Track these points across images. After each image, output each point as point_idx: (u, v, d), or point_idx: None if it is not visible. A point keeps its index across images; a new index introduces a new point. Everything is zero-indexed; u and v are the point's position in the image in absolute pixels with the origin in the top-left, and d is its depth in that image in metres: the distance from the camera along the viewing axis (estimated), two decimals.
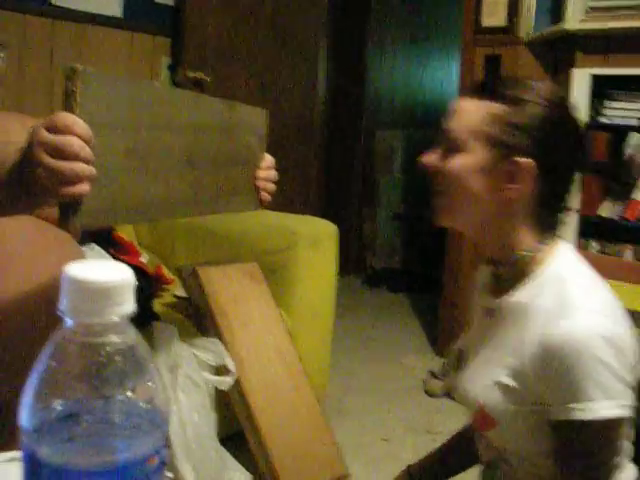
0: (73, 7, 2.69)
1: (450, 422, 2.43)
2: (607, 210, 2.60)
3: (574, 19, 2.53)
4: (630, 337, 0.99)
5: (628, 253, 2.61)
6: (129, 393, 0.46)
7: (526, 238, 1.05)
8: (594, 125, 2.59)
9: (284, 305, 2.14)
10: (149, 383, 0.47)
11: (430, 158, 1.08)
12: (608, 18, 2.48)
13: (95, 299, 0.45)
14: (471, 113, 1.04)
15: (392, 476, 1.37)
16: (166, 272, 2.36)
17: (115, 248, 2.22)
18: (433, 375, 2.91)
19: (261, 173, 1.33)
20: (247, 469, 1.82)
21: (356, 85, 4.78)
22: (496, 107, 1.02)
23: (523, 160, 1.00)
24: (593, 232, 2.67)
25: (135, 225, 2.55)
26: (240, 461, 1.83)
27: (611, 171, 2.61)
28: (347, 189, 4.84)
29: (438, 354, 3.30)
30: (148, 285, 2.10)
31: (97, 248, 2.06)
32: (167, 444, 0.48)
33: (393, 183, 4.79)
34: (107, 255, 2.09)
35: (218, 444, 1.74)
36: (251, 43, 3.14)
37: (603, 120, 2.59)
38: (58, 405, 0.45)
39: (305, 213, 2.66)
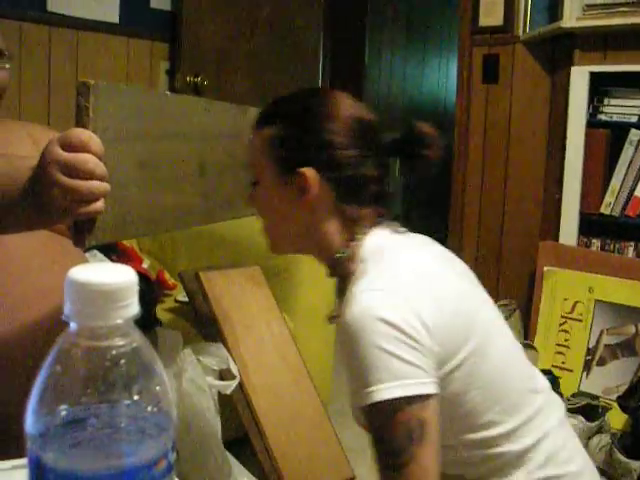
0: (70, 14, 2.69)
1: None
2: (608, 207, 2.59)
3: (571, 17, 2.52)
4: (427, 312, 0.96)
5: (629, 250, 2.61)
6: (135, 396, 0.45)
7: (338, 239, 1.09)
8: (594, 123, 2.59)
9: (287, 308, 2.13)
10: (155, 386, 0.46)
11: (247, 200, 1.15)
12: (605, 15, 2.48)
13: (99, 302, 0.44)
14: (254, 145, 1.11)
15: None
16: (168, 277, 2.36)
17: (117, 254, 2.21)
18: None
19: None
20: (252, 473, 1.81)
21: (354, 86, 4.78)
22: (268, 130, 1.09)
23: (303, 169, 1.05)
24: (594, 229, 2.66)
25: None
26: (245, 465, 1.82)
27: (611, 168, 2.60)
28: None
29: None
30: (150, 291, 2.10)
31: (99, 255, 2.06)
32: (174, 447, 0.48)
33: (392, 184, 4.78)
34: (109, 262, 2.09)
35: (223, 448, 1.73)
36: (249, 46, 3.14)
37: (602, 117, 2.59)
38: (63, 410, 0.44)
39: None
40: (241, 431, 1.83)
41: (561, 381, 2.43)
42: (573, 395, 2.40)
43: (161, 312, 2.06)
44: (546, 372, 2.42)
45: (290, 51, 3.24)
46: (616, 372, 2.43)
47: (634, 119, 2.54)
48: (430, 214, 4.10)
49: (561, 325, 2.58)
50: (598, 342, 2.49)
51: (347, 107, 1.10)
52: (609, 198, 2.59)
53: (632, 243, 2.60)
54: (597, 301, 2.52)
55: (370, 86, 4.88)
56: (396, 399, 0.91)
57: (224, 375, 1.77)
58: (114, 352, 0.45)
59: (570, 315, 2.57)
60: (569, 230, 2.64)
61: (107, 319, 0.44)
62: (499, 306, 2.78)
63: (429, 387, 0.93)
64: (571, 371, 2.52)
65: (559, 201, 2.65)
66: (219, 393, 1.74)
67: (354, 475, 1.93)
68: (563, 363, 2.54)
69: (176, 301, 2.24)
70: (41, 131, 1.39)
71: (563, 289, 2.60)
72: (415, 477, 0.92)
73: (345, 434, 2.15)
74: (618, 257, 2.61)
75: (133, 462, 0.44)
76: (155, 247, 2.60)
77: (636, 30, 2.44)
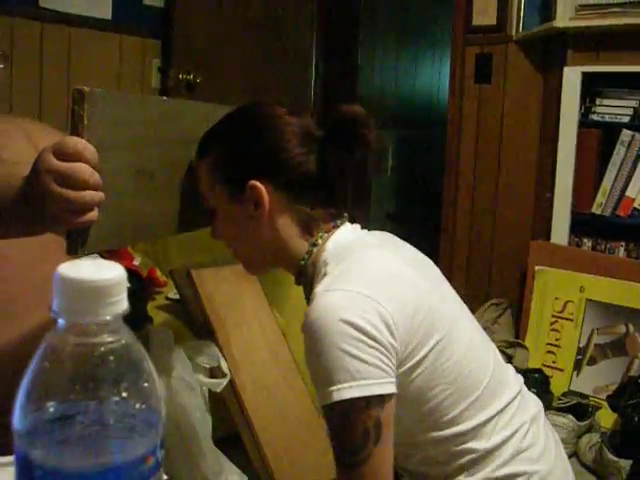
0: (62, 10, 2.68)
1: None
2: (600, 207, 2.60)
3: (564, 17, 2.53)
4: (388, 309, 0.96)
5: (620, 250, 2.62)
6: (123, 393, 0.45)
7: (300, 246, 1.10)
8: (586, 123, 2.60)
9: (278, 306, 2.13)
10: (144, 383, 0.46)
11: (211, 234, 1.17)
12: (598, 16, 2.48)
13: (87, 298, 0.44)
14: (201, 177, 1.13)
15: None
16: (159, 275, 2.35)
17: (108, 251, 2.20)
18: None
19: None
20: (243, 470, 1.81)
21: (348, 85, 4.78)
22: (208, 159, 1.11)
23: (252, 182, 1.06)
24: (586, 229, 2.67)
25: None
26: (236, 462, 1.82)
27: (602, 168, 2.61)
28: None
29: None
30: (141, 288, 2.09)
31: None
32: (162, 445, 0.47)
33: (385, 183, 4.79)
34: (100, 258, 2.08)
35: (213, 446, 1.73)
36: (242, 44, 3.14)
37: (595, 117, 2.60)
38: (51, 407, 0.44)
39: None
40: (232, 429, 1.83)
41: (552, 380, 2.44)
42: (563, 394, 2.41)
43: (152, 309, 2.06)
44: (537, 371, 2.43)
45: (283, 49, 3.24)
46: (606, 371, 2.44)
47: (626, 119, 2.55)
48: (422, 213, 4.11)
49: (552, 324, 2.59)
50: (589, 341, 2.50)
51: (275, 113, 1.11)
52: (600, 198, 2.60)
53: (623, 243, 2.61)
54: (588, 300, 2.53)
55: (363, 86, 4.87)
56: (354, 399, 0.92)
57: (215, 373, 1.77)
58: (103, 349, 0.45)
59: (561, 314, 2.58)
60: (560, 230, 2.65)
61: (96, 316, 0.44)
62: (490, 305, 2.79)
63: (387, 387, 0.94)
64: (562, 370, 2.52)
65: (551, 200, 2.66)
66: (210, 391, 1.73)
67: None
68: (554, 362, 2.55)
69: (167, 298, 2.23)
70: (34, 126, 1.38)
71: (554, 288, 2.61)
72: (369, 475, 0.93)
73: None
74: (609, 257, 2.62)
75: (121, 459, 0.44)
76: (146, 244, 2.59)
77: (628, 31, 2.45)
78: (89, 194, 0.83)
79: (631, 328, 2.42)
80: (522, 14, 2.81)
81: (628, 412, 2.06)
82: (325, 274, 1.03)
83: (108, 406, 0.45)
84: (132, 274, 2.06)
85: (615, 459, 2.00)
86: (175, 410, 1.62)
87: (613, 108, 2.57)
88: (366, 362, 0.92)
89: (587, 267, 2.55)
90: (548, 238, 2.67)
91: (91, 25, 2.81)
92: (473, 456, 1.03)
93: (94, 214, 0.85)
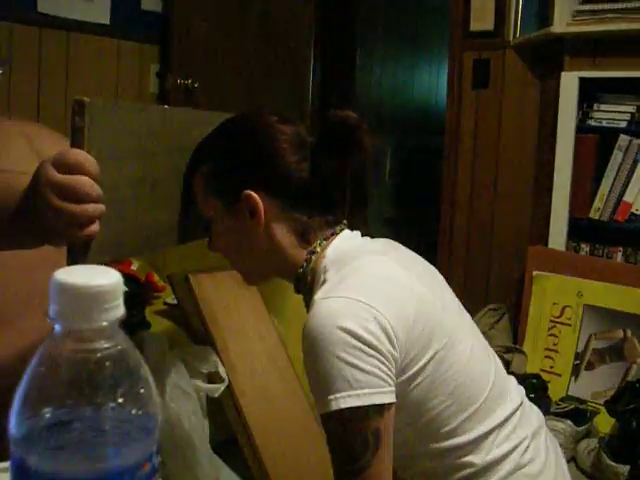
0: (60, 15, 2.69)
1: None
2: (597, 212, 2.60)
3: (561, 22, 2.53)
4: (388, 317, 0.95)
5: (618, 255, 2.62)
6: (120, 399, 0.45)
7: (298, 254, 1.09)
8: (583, 128, 2.60)
9: (276, 312, 2.13)
10: (140, 389, 0.46)
11: (208, 247, 1.18)
12: (595, 21, 2.49)
13: (84, 304, 0.44)
14: (195, 192, 1.12)
15: None
16: (157, 280, 2.35)
17: None
18: None
19: None
20: (240, 476, 1.81)
21: (346, 91, 4.79)
22: (201, 171, 1.11)
23: (246, 191, 1.06)
24: (583, 234, 2.67)
25: None
26: (233, 468, 1.82)
27: (600, 173, 2.61)
28: None
29: None
30: (139, 293, 2.09)
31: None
32: (159, 450, 0.47)
33: (383, 188, 4.79)
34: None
35: (211, 452, 1.72)
36: (240, 49, 3.14)
37: (592, 123, 2.60)
38: (47, 412, 0.44)
39: None
40: (230, 434, 1.83)
41: (549, 385, 2.44)
42: (561, 399, 2.41)
43: (150, 314, 2.05)
44: (535, 376, 2.42)
45: (281, 54, 3.25)
46: (604, 376, 2.44)
47: (623, 124, 2.55)
48: (420, 218, 4.11)
49: (550, 329, 2.59)
50: (587, 346, 2.50)
51: (266, 122, 1.11)
52: (598, 203, 2.60)
53: (620, 248, 2.61)
54: (586, 306, 2.53)
55: (361, 91, 4.88)
56: (353, 408, 0.91)
57: (213, 378, 1.76)
58: (99, 355, 0.45)
59: (559, 319, 2.58)
60: (558, 235, 2.65)
61: (92, 321, 0.44)
62: (488, 310, 2.79)
63: (386, 396, 0.93)
64: (559, 375, 2.52)
65: (548, 206, 2.66)
66: (207, 396, 1.73)
67: None
68: (552, 367, 2.55)
69: (165, 304, 2.23)
70: (37, 130, 1.38)
71: (552, 293, 2.61)
72: None
73: None
74: (607, 262, 2.62)
75: (117, 465, 0.44)
76: None
77: (626, 36, 2.45)
78: (91, 207, 0.82)
79: (629, 333, 2.42)
80: (519, 19, 2.81)
81: (626, 417, 2.06)
82: (324, 281, 1.02)
83: (104, 412, 0.44)
84: (130, 279, 2.06)
85: (613, 464, 2.00)
86: (171, 415, 1.61)
87: (610, 113, 2.57)
88: (365, 371, 0.91)
89: (585, 272, 2.55)
90: (546, 243, 2.67)
91: (89, 30, 2.81)
92: (472, 470, 1.01)
93: (96, 227, 0.84)
